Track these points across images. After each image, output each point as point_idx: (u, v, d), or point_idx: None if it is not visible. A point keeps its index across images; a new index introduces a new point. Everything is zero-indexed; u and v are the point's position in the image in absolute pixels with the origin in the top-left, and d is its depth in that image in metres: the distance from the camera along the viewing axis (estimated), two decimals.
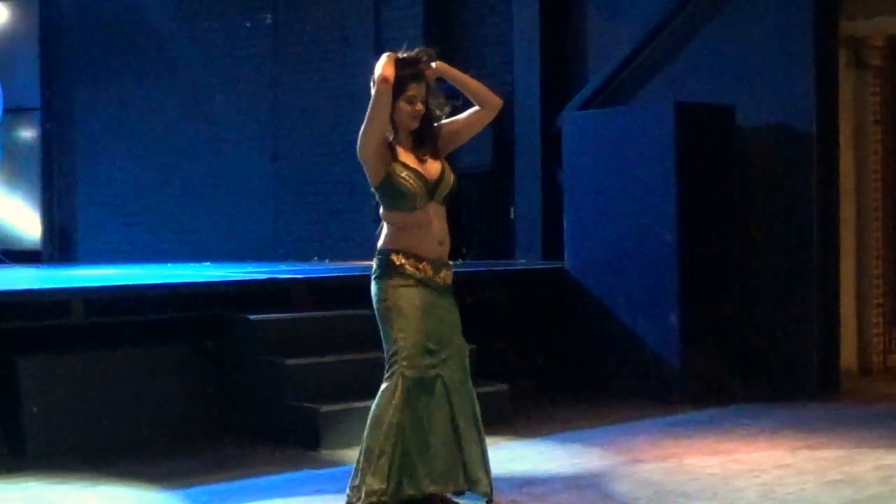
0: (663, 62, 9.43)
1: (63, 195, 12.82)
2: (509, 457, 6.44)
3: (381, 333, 4.72)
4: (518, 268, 9.56)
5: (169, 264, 10.62)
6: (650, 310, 8.47)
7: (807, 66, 8.58)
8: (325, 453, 6.61)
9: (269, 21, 12.49)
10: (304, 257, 11.74)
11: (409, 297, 4.61)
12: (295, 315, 7.46)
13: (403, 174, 4.58)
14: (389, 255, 4.62)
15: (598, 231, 8.85)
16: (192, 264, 10.60)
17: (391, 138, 4.66)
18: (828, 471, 5.95)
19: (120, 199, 12.63)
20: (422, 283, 4.62)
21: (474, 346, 7.84)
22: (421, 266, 4.62)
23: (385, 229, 4.72)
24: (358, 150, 4.60)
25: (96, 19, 12.68)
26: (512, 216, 10.53)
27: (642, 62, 9.54)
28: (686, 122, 8.39)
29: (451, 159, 11.35)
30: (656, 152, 8.42)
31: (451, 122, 4.79)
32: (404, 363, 4.60)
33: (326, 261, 11.31)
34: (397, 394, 4.60)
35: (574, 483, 5.81)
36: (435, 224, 4.67)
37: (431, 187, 4.64)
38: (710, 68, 9.09)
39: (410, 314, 4.61)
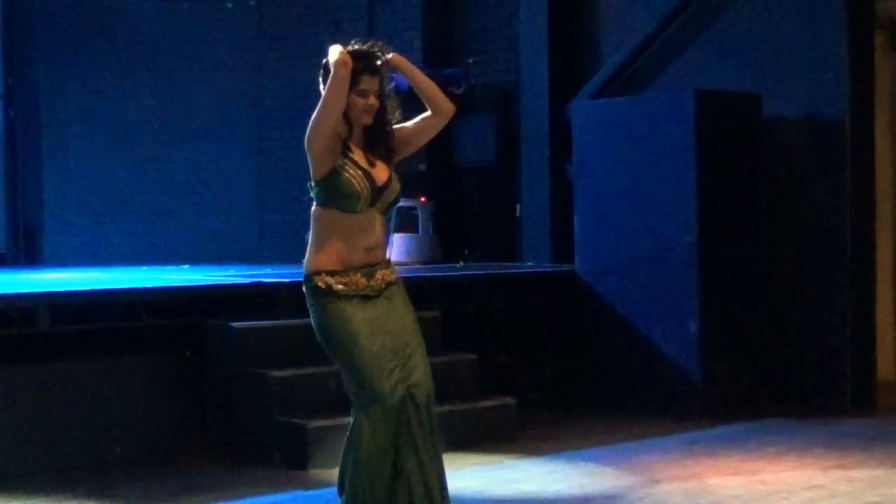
0: (682, 47, 9.44)
1: (28, 192, 12.82)
2: (515, 476, 6.45)
3: (333, 358, 4.72)
4: (524, 271, 9.57)
5: (144, 267, 10.63)
6: (668, 317, 8.47)
7: (839, 50, 8.58)
8: (314, 472, 6.61)
9: (252, 2, 12.51)
10: (291, 260, 11.72)
11: (350, 319, 4.61)
12: (281, 323, 7.47)
13: (352, 172, 4.58)
14: (313, 279, 4.62)
15: (611, 231, 8.85)
16: (169, 267, 10.61)
17: (344, 135, 4.66)
18: (863, 493, 5.95)
19: (90, 196, 12.64)
20: (357, 297, 4.61)
21: (475, 356, 7.95)
22: (348, 279, 4.62)
23: (310, 241, 4.71)
24: (307, 140, 4.59)
25: None
26: (518, 215, 10.54)
27: (660, 47, 9.55)
28: (708, 111, 8.39)
29: (452, 154, 11.43)
30: (675, 145, 8.42)
31: (401, 129, 4.80)
32: (370, 396, 4.59)
33: None
34: (368, 429, 4.59)
35: None
36: (367, 233, 4.64)
37: (376, 193, 4.64)
38: (734, 53, 9.10)
39: (356, 339, 4.60)
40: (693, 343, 8.34)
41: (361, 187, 4.58)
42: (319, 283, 4.59)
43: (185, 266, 10.86)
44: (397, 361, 4.59)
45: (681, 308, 8.39)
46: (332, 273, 4.59)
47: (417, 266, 10.51)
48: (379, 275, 4.67)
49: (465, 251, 10.75)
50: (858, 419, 8.09)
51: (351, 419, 4.67)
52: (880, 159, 9.07)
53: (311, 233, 4.71)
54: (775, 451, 7.05)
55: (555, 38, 10.17)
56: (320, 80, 4.62)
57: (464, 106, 10.85)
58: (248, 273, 8.81)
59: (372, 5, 11.90)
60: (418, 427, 4.63)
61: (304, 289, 4.68)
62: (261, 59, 12.34)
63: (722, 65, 9.12)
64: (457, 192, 11.12)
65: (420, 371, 4.67)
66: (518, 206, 10.53)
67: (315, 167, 4.61)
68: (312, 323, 4.68)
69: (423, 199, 10.95)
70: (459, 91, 10.78)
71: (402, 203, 11.02)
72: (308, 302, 4.68)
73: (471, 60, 11.15)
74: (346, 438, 4.69)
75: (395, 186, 4.72)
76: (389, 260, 4.78)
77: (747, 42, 9.05)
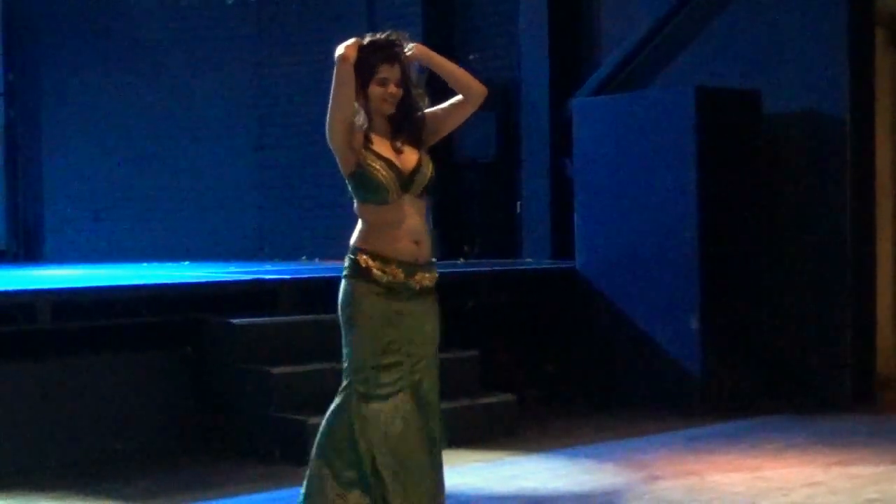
0: (683, 43, 9.43)
1: (28, 188, 12.82)
2: (515, 473, 6.45)
3: (343, 334, 4.75)
4: (525, 268, 9.57)
5: (144, 264, 10.63)
6: (669, 314, 8.47)
7: (840, 46, 8.58)
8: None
9: None
10: (291, 256, 11.75)
11: (370, 309, 4.62)
12: (281, 319, 7.47)
13: (375, 164, 4.57)
14: (357, 255, 4.64)
15: (611, 228, 8.85)
16: (169, 264, 10.61)
17: (365, 126, 4.66)
18: (863, 489, 5.95)
19: (90, 192, 12.64)
20: (390, 288, 4.62)
21: (476, 352, 7.95)
22: (389, 269, 4.62)
23: (358, 225, 4.74)
24: (327, 137, 4.62)
25: None
26: (518, 212, 10.54)
27: (660, 44, 9.55)
28: (708, 108, 8.39)
29: (452, 150, 11.43)
30: (676, 141, 8.42)
31: (433, 112, 4.79)
32: (358, 380, 4.61)
33: (316, 260, 11.32)
34: (351, 410, 4.61)
35: (585, 502, 5.82)
36: (410, 221, 4.65)
37: (406, 179, 4.62)
38: (735, 50, 9.10)
39: (368, 326, 4.62)
40: (693, 340, 8.34)
41: (386, 177, 4.58)
42: (361, 262, 4.60)
43: (186, 263, 10.87)
44: (401, 360, 4.60)
45: (681, 305, 8.39)
46: (374, 257, 4.60)
47: None
48: (418, 276, 4.66)
49: (466, 248, 10.76)
50: (859, 416, 8.10)
51: (336, 400, 4.67)
52: (880, 156, 9.06)
53: (357, 226, 4.71)
54: (776, 448, 7.05)
55: (555, 35, 10.17)
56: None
57: None
58: (248, 270, 8.81)
59: (372, 2, 11.90)
60: (417, 431, 4.61)
61: (345, 261, 4.69)
62: (261, 56, 12.33)
63: (722, 61, 9.12)
64: (457, 189, 11.12)
65: (426, 378, 4.65)
66: (518, 203, 10.53)
67: (341, 163, 4.63)
68: (339, 299, 4.69)
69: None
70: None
71: None
72: (343, 272, 4.69)
73: (471, 57, 11.14)
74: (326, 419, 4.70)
75: (426, 169, 4.68)
76: (433, 263, 4.75)
77: (747, 39, 9.05)
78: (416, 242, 4.65)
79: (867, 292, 8.71)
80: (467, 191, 11.14)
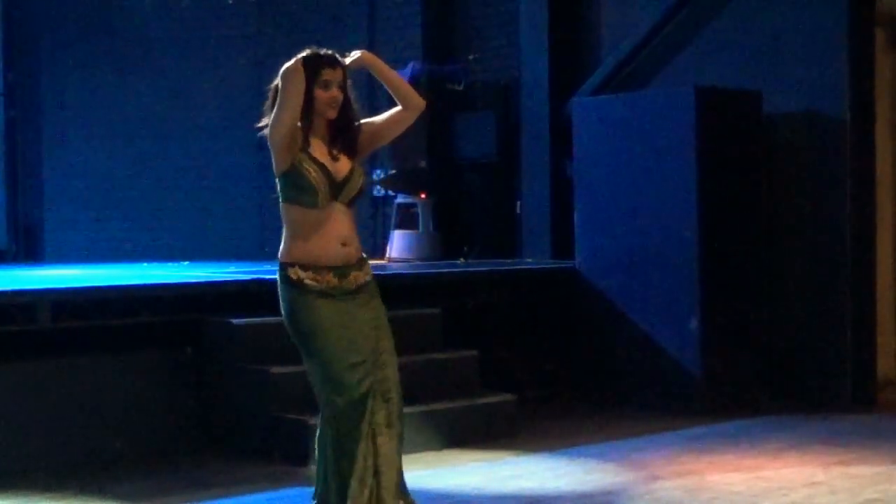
0: (683, 43, 9.43)
1: (28, 188, 12.82)
2: (515, 473, 6.45)
3: (300, 349, 4.76)
4: (525, 268, 9.57)
5: (144, 264, 10.64)
6: (669, 314, 8.47)
7: (840, 47, 8.58)
8: (314, 469, 6.59)
9: None
10: None
11: (320, 309, 4.64)
12: (281, 319, 7.45)
13: (308, 167, 4.63)
14: (286, 270, 4.68)
15: (611, 228, 8.85)
16: (169, 264, 10.61)
17: (304, 130, 4.70)
18: (863, 489, 5.95)
19: (90, 193, 12.64)
20: (327, 294, 4.64)
21: (476, 352, 7.95)
22: (321, 277, 4.65)
23: (284, 233, 4.77)
24: (268, 135, 4.65)
25: None
26: (518, 212, 10.54)
27: (660, 43, 9.54)
28: (708, 108, 8.39)
29: (452, 150, 11.40)
30: (676, 141, 8.42)
31: (370, 123, 4.84)
32: (336, 388, 4.63)
33: None
34: (333, 424, 4.64)
35: (585, 502, 5.82)
36: (336, 225, 4.68)
37: (337, 187, 4.67)
38: (735, 50, 9.09)
39: (323, 328, 4.63)
40: (693, 339, 8.34)
41: (318, 182, 4.61)
42: (292, 275, 4.66)
43: (186, 262, 10.86)
44: (364, 358, 4.63)
45: (681, 305, 8.39)
46: (305, 267, 4.64)
47: (418, 263, 10.52)
48: (352, 276, 4.70)
49: (466, 248, 10.75)
50: (859, 416, 8.10)
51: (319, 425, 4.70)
52: (881, 156, 9.05)
53: (283, 228, 4.77)
54: (775, 448, 7.05)
55: (555, 35, 10.17)
56: (269, 98, 4.67)
57: (464, 102, 10.89)
58: (248, 270, 8.80)
59: (372, 2, 11.90)
60: (386, 427, 4.65)
61: (277, 276, 4.73)
62: (261, 55, 12.34)
63: (722, 61, 9.11)
64: (457, 189, 11.12)
65: (390, 370, 4.71)
66: (518, 203, 10.53)
67: (276, 162, 4.69)
68: (282, 312, 4.74)
69: (423, 195, 10.95)
70: (459, 87, 10.79)
71: (402, 200, 11.12)
72: (279, 290, 4.74)
73: (471, 57, 11.15)
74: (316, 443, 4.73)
75: (358, 180, 4.74)
76: (364, 259, 4.79)
77: (748, 38, 9.04)
78: (344, 244, 4.69)
79: (867, 292, 8.71)
80: (467, 191, 11.14)
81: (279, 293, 4.74)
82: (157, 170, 12.53)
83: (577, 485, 6.19)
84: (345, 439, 4.60)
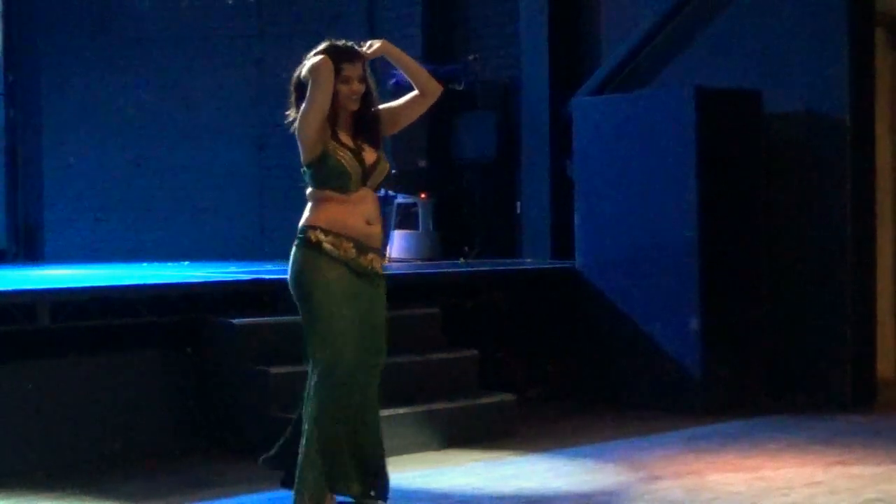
0: (683, 43, 9.43)
1: (28, 188, 12.81)
2: (515, 473, 6.45)
3: (301, 313, 4.84)
4: (525, 268, 9.57)
5: (144, 264, 10.62)
6: (669, 314, 8.47)
7: (840, 47, 8.57)
8: None
9: None
10: None
11: (327, 272, 4.73)
12: (281, 319, 7.46)
13: (341, 152, 4.86)
14: (307, 232, 4.80)
15: (611, 228, 8.85)
16: (169, 264, 10.60)
17: (331, 122, 4.91)
18: (863, 489, 5.95)
19: (90, 192, 12.63)
20: (341, 262, 4.75)
21: (476, 352, 7.94)
22: (340, 245, 4.76)
23: (308, 206, 4.91)
24: (297, 129, 4.87)
25: None
26: (518, 211, 10.54)
27: (660, 43, 9.54)
28: (708, 108, 8.39)
29: (452, 150, 11.40)
30: (676, 141, 8.42)
31: (389, 108, 5.08)
32: (333, 359, 4.73)
33: None
34: (329, 393, 4.74)
35: (585, 502, 5.81)
36: (364, 205, 4.89)
37: (367, 172, 4.89)
38: (735, 50, 9.09)
39: (328, 291, 4.72)
40: (693, 340, 8.33)
41: (352, 167, 4.79)
42: (311, 237, 4.77)
43: (186, 263, 10.86)
44: (364, 343, 4.74)
45: (681, 304, 8.39)
46: (326, 232, 4.74)
47: (418, 262, 10.52)
48: (369, 257, 4.84)
49: (466, 248, 10.75)
50: (859, 416, 8.09)
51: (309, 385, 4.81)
52: (881, 156, 9.06)
53: (308, 205, 4.91)
54: (776, 448, 7.05)
55: (555, 35, 10.17)
56: (293, 91, 4.82)
57: (464, 102, 10.88)
58: (248, 270, 8.80)
59: (372, 2, 11.90)
60: (373, 399, 4.90)
61: (295, 242, 4.83)
62: (261, 55, 12.34)
63: (722, 61, 9.11)
64: (457, 189, 11.12)
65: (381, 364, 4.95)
66: (518, 203, 10.53)
67: (305, 150, 4.87)
68: (289, 274, 4.81)
69: (423, 195, 10.94)
70: (460, 87, 10.78)
71: (402, 200, 11.11)
72: (293, 253, 4.83)
73: (471, 57, 11.14)
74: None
75: (384, 165, 5.01)
76: (383, 253, 4.98)
77: (748, 39, 9.04)
78: (369, 223, 4.84)
79: (867, 294, 8.71)
80: (467, 191, 11.14)
81: (291, 257, 4.83)
82: (157, 170, 12.52)
83: (577, 485, 6.19)
84: (332, 392, 4.70)
